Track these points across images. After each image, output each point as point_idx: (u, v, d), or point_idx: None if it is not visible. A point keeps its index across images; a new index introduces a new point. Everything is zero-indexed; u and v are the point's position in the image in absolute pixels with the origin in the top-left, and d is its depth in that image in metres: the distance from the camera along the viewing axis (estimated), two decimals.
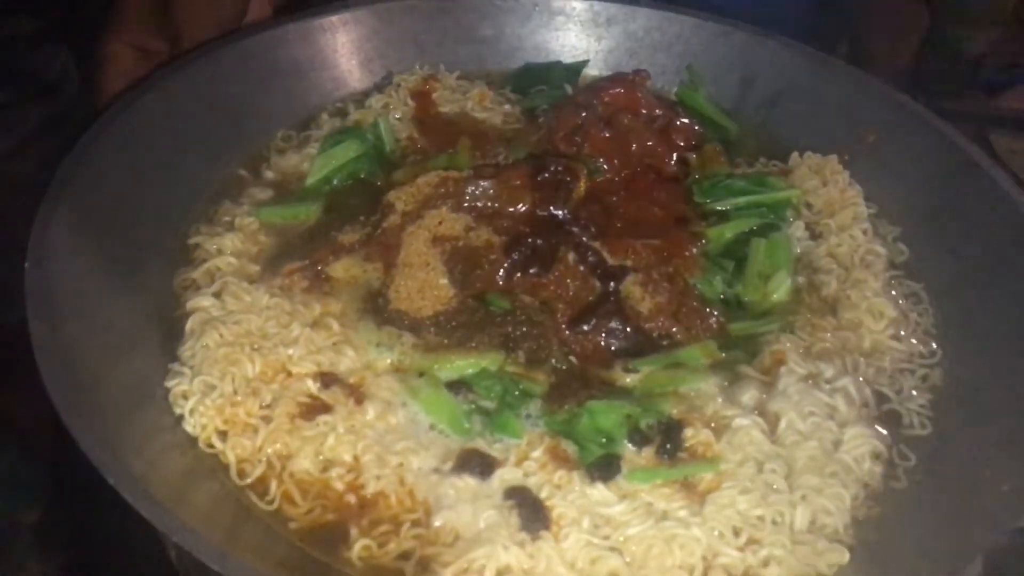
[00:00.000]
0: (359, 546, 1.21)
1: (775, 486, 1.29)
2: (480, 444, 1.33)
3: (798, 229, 1.72)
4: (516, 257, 1.53)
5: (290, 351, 1.39)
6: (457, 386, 1.39)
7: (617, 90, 1.88)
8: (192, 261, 1.57)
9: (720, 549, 1.23)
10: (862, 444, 1.35)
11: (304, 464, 1.29)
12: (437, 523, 1.24)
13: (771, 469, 1.31)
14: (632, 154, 1.80)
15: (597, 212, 1.65)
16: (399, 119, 1.91)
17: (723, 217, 1.72)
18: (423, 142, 1.88)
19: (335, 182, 1.76)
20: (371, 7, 2.01)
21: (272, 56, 1.88)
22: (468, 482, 1.28)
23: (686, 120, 1.87)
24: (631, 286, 1.54)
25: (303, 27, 1.93)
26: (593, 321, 1.49)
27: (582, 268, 1.54)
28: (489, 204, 1.61)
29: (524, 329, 1.47)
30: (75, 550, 1.79)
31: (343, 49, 1.99)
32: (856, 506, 1.30)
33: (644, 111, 1.86)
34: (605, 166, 1.77)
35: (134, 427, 1.26)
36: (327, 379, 1.38)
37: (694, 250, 1.62)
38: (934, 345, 1.55)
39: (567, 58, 2.12)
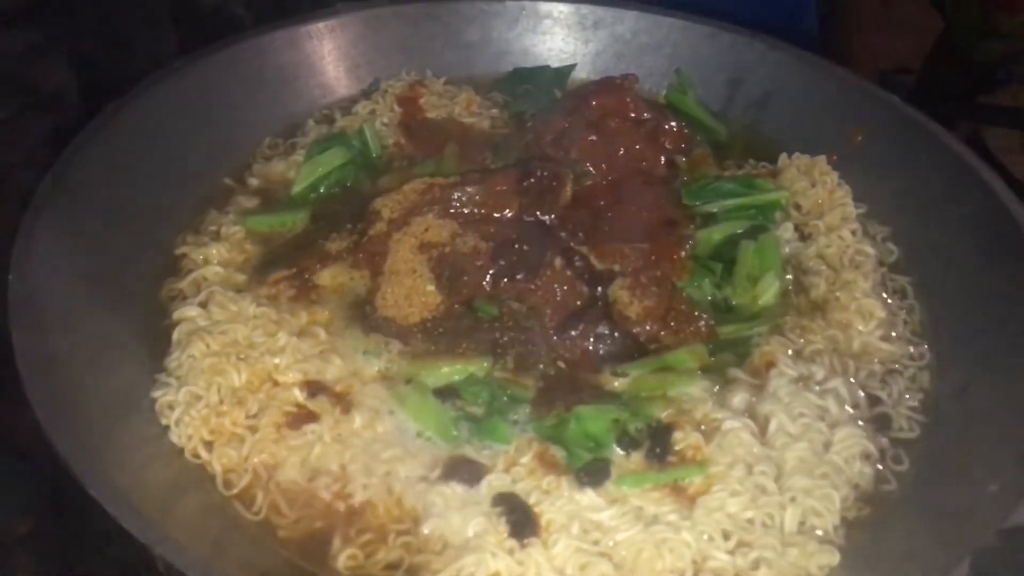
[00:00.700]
0: (346, 555, 1.20)
1: (765, 488, 1.28)
2: (468, 451, 1.33)
3: (787, 231, 1.71)
4: (503, 263, 1.53)
5: (277, 360, 1.39)
6: (445, 393, 1.39)
7: (605, 94, 1.87)
8: (178, 271, 1.57)
9: (710, 553, 1.22)
10: (852, 445, 1.35)
11: (291, 474, 1.28)
12: (425, 531, 1.23)
13: (761, 471, 1.30)
14: (620, 158, 1.79)
15: (584, 216, 1.64)
16: (386, 125, 1.91)
17: (712, 220, 1.72)
18: (410, 148, 1.88)
19: (321, 189, 1.76)
20: (358, 13, 2.01)
21: (258, 63, 1.87)
22: (456, 489, 1.27)
23: (674, 123, 1.87)
24: (619, 290, 1.53)
25: (289, 34, 1.93)
26: (581, 326, 1.48)
27: (569, 273, 1.53)
28: (475, 210, 1.60)
29: (512, 335, 1.47)
30: (68, 561, 1.79)
31: (330, 56, 1.99)
32: (846, 507, 1.30)
33: (632, 114, 1.85)
34: (592, 170, 1.76)
35: (119, 438, 1.25)
36: (314, 388, 1.37)
37: (682, 253, 1.62)
38: (924, 346, 1.55)
39: (555, 62, 2.12)
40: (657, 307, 1.52)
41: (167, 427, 1.31)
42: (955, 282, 1.60)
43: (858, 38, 2.93)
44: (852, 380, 1.46)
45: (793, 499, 1.28)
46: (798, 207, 1.77)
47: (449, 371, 1.42)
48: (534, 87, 2.06)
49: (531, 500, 1.26)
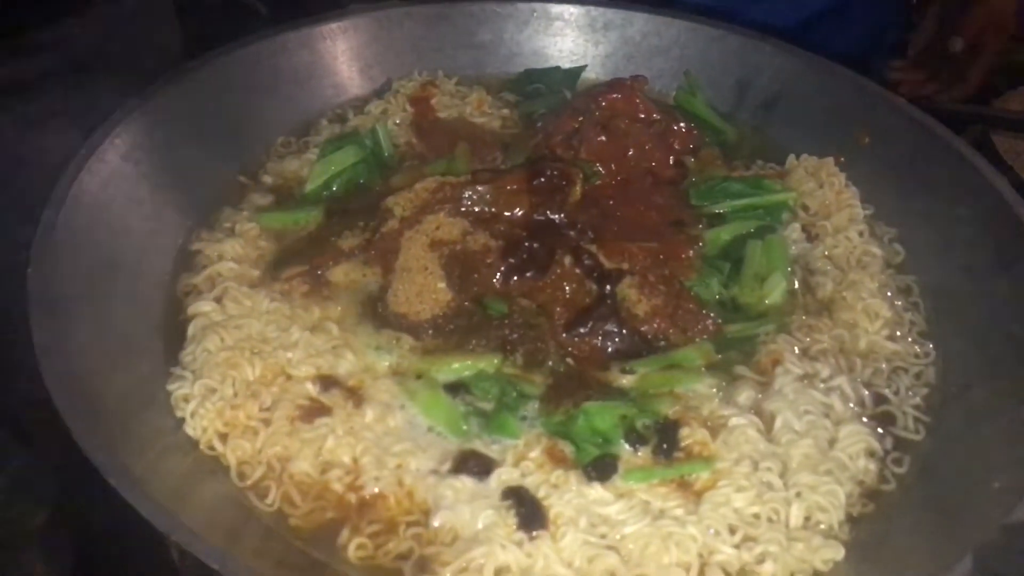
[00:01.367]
0: (356, 545, 1.22)
1: (771, 484, 1.30)
2: (478, 445, 1.34)
3: (794, 231, 1.73)
4: (513, 261, 1.54)
5: (290, 355, 1.41)
6: (455, 388, 1.41)
7: (615, 95, 1.88)
8: (193, 267, 1.59)
9: (716, 547, 1.23)
10: (857, 442, 1.36)
11: (303, 466, 1.30)
12: (436, 523, 1.25)
13: (767, 467, 1.32)
14: (629, 158, 1.81)
15: (594, 216, 1.66)
16: (398, 124, 1.94)
17: (720, 220, 1.74)
18: (422, 147, 1.90)
19: (334, 187, 1.78)
20: (371, 14, 2.04)
21: (272, 63, 1.90)
22: (466, 483, 1.29)
23: (683, 124, 1.89)
24: (627, 289, 1.55)
25: (303, 34, 1.95)
26: (590, 324, 1.50)
27: (578, 271, 1.55)
28: (486, 209, 1.62)
29: (521, 332, 1.48)
30: (81, 552, 1.81)
31: (343, 56, 2.01)
32: (851, 503, 1.31)
33: (642, 115, 1.87)
34: (602, 170, 1.78)
35: (136, 430, 1.28)
36: (326, 382, 1.40)
37: (690, 253, 1.63)
38: (930, 345, 1.56)
39: (565, 63, 2.14)
40: (665, 305, 1.54)
41: (182, 419, 1.34)
42: (961, 283, 1.61)
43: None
44: (858, 378, 1.48)
45: (798, 495, 1.29)
46: (805, 208, 1.79)
47: (459, 367, 1.43)
48: (545, 88, 2.08)
49: (540, 494, 1.27)
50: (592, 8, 2.11)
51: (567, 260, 1.55)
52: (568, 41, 2.15)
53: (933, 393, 1.48)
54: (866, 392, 1.46)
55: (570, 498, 1.27)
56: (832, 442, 1.37)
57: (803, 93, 1.97)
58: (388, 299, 1.52)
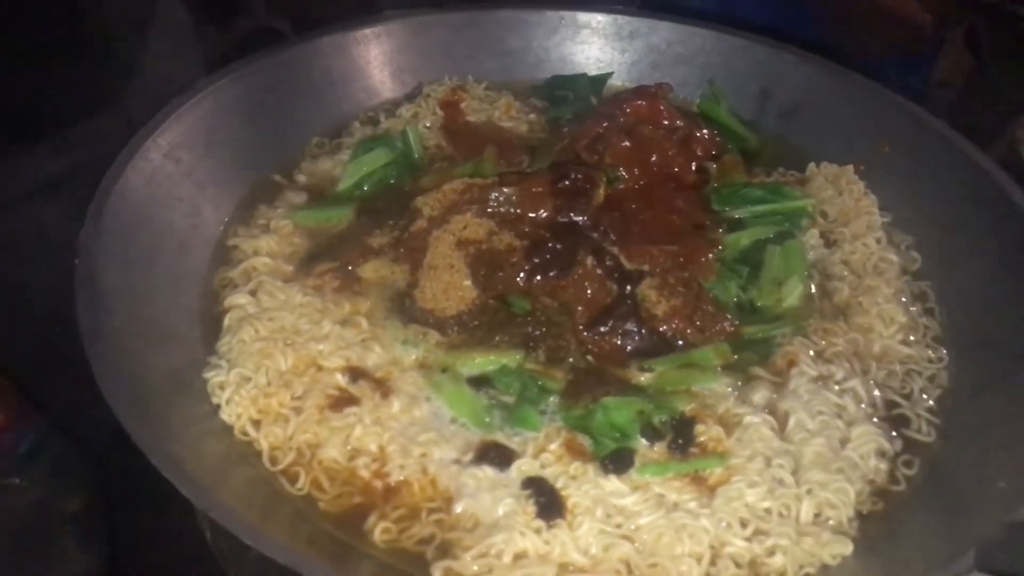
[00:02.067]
0: (381, 529, 1.27)
1: (783, 480, 1.34)
2: (499, 437, 1.39)
3: (812, 237, 1.76)
4: (537, 261, 1.59)
5: (321, 346, 1.47)
6: (479, 382, 1.46)
7: (640, 102, 1.93)
8: (230, 261, 1.65)
9: (727, 539, 1.28)
10: (868, 442, 1.40)
11: (332, 453, 1.35)
12: (458, 510, 1.30)
13: (779, 464, 1.35)
14: (652, 163, 1.85)
15: (616, 218, 1.70)
16: (428, 127, 1.99)
17: (740, 225, 1.78)
18: (450, 150, 1.96)
19: (366, 187, 1.83)
20: (403, 20, 2.10)
21: (307, 67, 1.96)
22: (487, 472, 1.34)
23: (706, 131, 1.92)
24: (647, 289, 1.59)
25: (338, 39, 2.01)
26: (610, 322, 1.54)
27: (600, 272, 1.59)
28: (512, 210, 1.67)
29: (543, 329, 1.53)
30: (114, 538, 1.86)
31: (375, 60, 2.07)
32: (861, 501, 1.35)
33: (665, 122, 1.91)
34: (625, 174, 1.82)
35: (174, 415, 1.33)
36: (355, 373, 1.45)
37: (710, 256, 1.67)
38: (943, 350, 1.59)
39: (592, 70, 2.19)
40: (684, 306, 1.58)
41: (218, 406, 1.40)
42: (975, 291, 1.64)
43: None
44: (871, 381, 1.51)
45: (809, 491, 1.33)
46: (824, 214, 1.83)
47: (483, 362, 1.48)
48: (571, 94, 2.13)
49: (558, 484, 1.32)
50: (619, 17, 2.16)
51: (589, 261, 1.59)
52: (595, 49, 2.19)
53: (945, 396, 1.52)
54: (878, 394, 1.50)
55: (587, 489, 1.31)
56: (844, 442, 1.41)
57: (825, 102, 2.01)
58: (416, 295, 1.57)
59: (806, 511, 1.31)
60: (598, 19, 2.17)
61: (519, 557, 1.25)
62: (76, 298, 1.32)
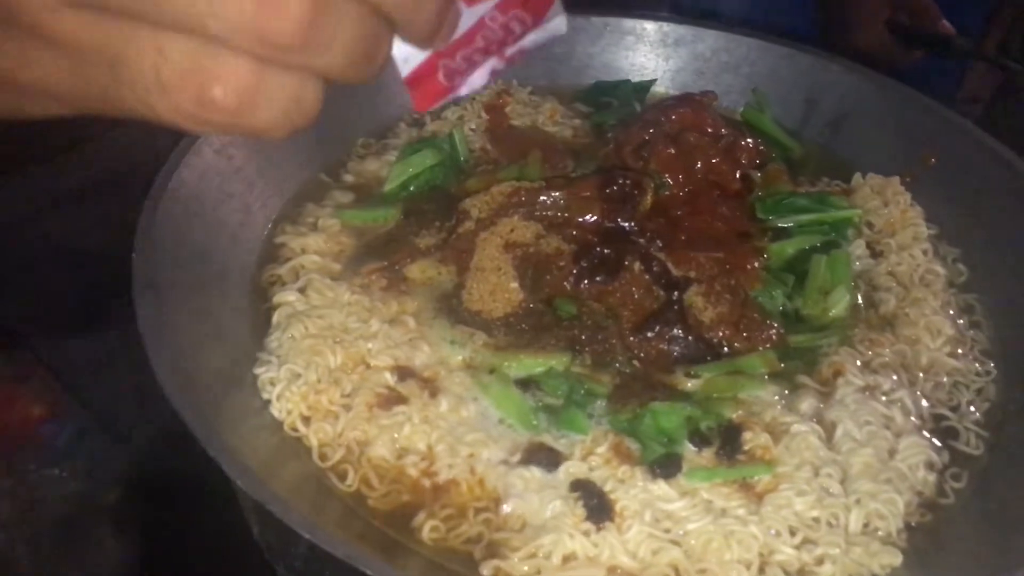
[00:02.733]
0: (430, 527, 1.28)
1: (831, 490, 1.34)
2: (547, 439, 1.39)
3: (859, 247, 1.76)
4: (584, 265, 1.59)
5: (369, 345, 1.47)
6: (526, 384, 1.46)
7: (684, 109, 1.93)
8: (278, 258, 1.67)
9: (776, 547, 1.27)
10: (917, 453, 1.39)
11: (381, 451, 1.36)
12: (506, 510, 1.30)
13: (827, 474, 1.35)
14: (697, 171, 1.85)
15: (662, 225, 1.71)
16: (473, 130, 2.00)
17: (785, 234, 1.77)
18: (495, 153, 1.96)
19: (412, 188, 1.84)
20: None
21: None
22: (535, 473, 1.34)
23: (750, 140, 1.92)
24: (694, 296, 1.59)
25: None
26: (657, 328, 1.54)
27: (647, 277, 1.59)
28: (559, 214, 1.67)
29: (590, 333, 1.53)
30: (149, 532, 1.88)
31: None
32: (909, 512, 1.34)
33: (710, 130, 1.91)
34: (670, 181, 1.82)
35: (226, 408, 1.34)
36: (403, 372, 1.46)
37: (756, 264, 1.67)
38: (991, 363, 1.58)
39: (635, 76, 2.19)
40: (730, 314, 1.58)
41: (268, 401, 1.40)
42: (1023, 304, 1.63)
43: None
44: (918, 392, 1.51)
45: (858, 501, 1.32)
46: (870, 225, 1.82)
47: (530, 364, 1.48)
48: (615, 100, 2.14)
49: (606, 487, 1.32)
50: (664, 24, 2.17)
51: (636, 266, 1.59)
52: (639, 55, 2.20)
53: (994, 410, 1.51)
54: (926, 404, 1.49)
55: (635, 493, 1.31)
56: (892, 453, 1.40)
57: (870, 112, 2.01)
58: (463, 296, 1.58)
59: (855, 521, 1.31)
60: (643, 26, 2.18)
61: (568, 559, 1.25)
62: (134, 291, 1.33)
